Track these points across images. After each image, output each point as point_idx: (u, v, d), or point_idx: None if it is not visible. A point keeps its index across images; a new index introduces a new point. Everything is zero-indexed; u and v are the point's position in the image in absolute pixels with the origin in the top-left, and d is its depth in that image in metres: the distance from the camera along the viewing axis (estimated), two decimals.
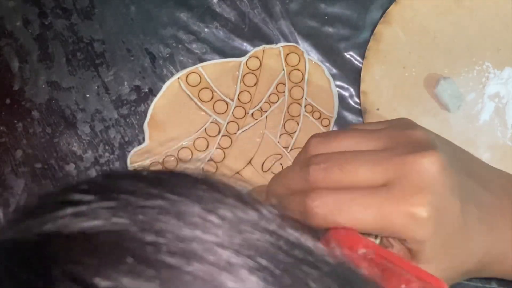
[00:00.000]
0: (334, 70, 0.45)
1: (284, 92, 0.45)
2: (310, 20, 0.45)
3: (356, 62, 0.45)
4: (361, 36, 0.45)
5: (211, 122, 0.44)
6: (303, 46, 0.45)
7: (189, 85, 0.44)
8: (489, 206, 0.31)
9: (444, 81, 0.42)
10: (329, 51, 0.45)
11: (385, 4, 0.45)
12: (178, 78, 0.44)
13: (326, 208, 0.28)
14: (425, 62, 0.44)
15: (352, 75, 0.45)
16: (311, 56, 0.45)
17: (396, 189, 0.27)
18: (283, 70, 0.45)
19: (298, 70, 0.45)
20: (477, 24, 0.44)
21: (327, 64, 0.45)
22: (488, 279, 0.43)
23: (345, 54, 0.45)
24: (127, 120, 0.44)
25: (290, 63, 0.45)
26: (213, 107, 0.44)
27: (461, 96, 0.43)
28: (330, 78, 0.45)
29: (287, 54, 0.45)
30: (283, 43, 0.45)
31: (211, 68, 0.45)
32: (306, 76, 0.45)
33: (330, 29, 0.45)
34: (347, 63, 0.45)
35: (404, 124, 0.32)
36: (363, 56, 0.45)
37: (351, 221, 0.28)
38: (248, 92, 0.45)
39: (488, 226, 0.30)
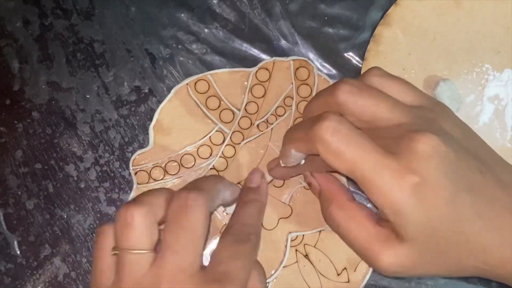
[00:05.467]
0: (334, 71, 0.45)
1: (291, 105, 0.44)
2: (310, 21, 0.45)
3: (356, 63, 0.45)
4: (361, 36, 0.45)
5: (216, 131, 0.44)
6: (303, 46, 0.45)
7: (197, 91, 0.44)
8: (496, 203, 0.29)
9: (444, 83, 0.42)
10: (329, 52, 0.45)
11: (385, 5, 0.45)
12: (187, 84, 0.44)
13: (336, 135, 0.29)
14: (425, 63, 0.44)
15: (352, 75, 0.45)
16: (315, 64, 0.45)
17: (402, 158, 0.28)
18: (292, 83, 0.44)
19: (307, 85, 0.44)
20: (477, 26, 0.44)
21: (327, 65, 0.45)
22: (488, 281, 0.43)
23: (345, 54, 0.45)
24: (127, 120, 0.45)
25: (300, 77, 0.44)
26: (220, 115, 0.44)
27: (460, 98, 0.43)
28: None
29: (297, 68, 0.44)
30: (294, 57, 0.44)
31: (220, 77, 0.44)
32: (314, 92, 0.44)
33: (330, 30, 0.46)
34: (347, 64, 0.45)
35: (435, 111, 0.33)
36: (362, 57, 0.45)
37: (350, 158, 0.29)
38: (256, 103, 0.44)
39: (491, 224, 0.29)
